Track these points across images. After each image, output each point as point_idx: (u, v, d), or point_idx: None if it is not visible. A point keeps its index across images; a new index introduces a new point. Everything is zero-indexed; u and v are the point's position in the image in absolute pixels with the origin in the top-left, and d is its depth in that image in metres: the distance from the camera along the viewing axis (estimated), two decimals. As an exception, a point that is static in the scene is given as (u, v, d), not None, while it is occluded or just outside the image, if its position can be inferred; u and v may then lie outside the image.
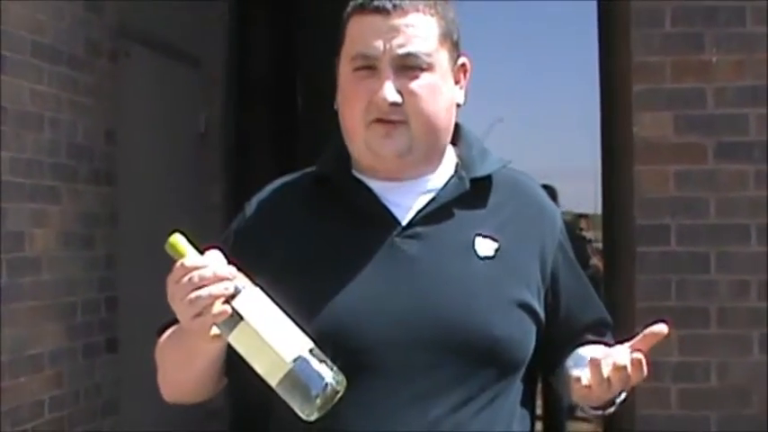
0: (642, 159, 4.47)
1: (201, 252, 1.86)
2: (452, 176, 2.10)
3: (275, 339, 1.79)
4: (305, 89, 8.42)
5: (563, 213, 2.49)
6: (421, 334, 1.94)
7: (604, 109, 6.29)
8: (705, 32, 4.46)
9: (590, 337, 2.13)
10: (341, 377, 1.80)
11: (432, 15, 2.02)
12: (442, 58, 2.04)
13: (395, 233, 2.03)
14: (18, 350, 4.51)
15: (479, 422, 1.97)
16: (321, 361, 1.80)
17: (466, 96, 2.13)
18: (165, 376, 2.14)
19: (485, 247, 2.04)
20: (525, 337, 2.04)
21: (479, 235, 2.05)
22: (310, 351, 1.80)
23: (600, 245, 7.87)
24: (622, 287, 4.69)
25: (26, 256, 4.59)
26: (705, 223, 4.42)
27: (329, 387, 1.79)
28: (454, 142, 2.17)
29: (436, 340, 1.94)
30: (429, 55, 2.00)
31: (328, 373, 1.79)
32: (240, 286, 1.82)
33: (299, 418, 1.84)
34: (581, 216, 13.78)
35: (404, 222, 2.05)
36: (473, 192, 2.09)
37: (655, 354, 4.29)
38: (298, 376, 1.78)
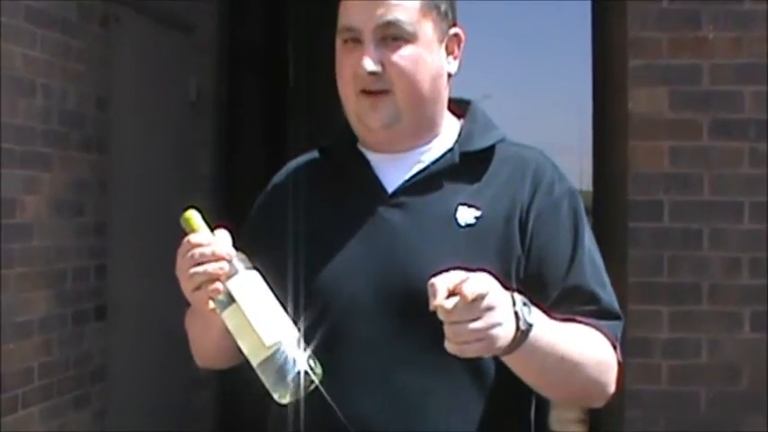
0: (637, 135, 4.47)
1: (213, 230, 1.94)
2: (449, 150, 2.13)
3: (260, 323, 1.87)
4: (296, 57, 8.39)
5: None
6: (389, 299, 1.99)
7: (597, 84, 6.29)
8: (702, 9, 4.45)
9: (564, 307, 2.04)
10: (318, 368, 1.87)
11: None
12: (426, 28, 2.08)
13: (380, 201, 2.09)
14: (8, 317, 4.49)
15: (447, 392, 1.99)
16: (301, 350, 1.87)
17: (459, 65, 2.17)
18: (192, 343, 2.24)
19: (466, 215, 2.07)
20: None
21: (462, 204, 2.07)
22: (292, 339, 1.88)
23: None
24: (614, 263, 4.69)
25: (17, 222, 4.57)
26: (698, 200, 4.43)
27: (303, 375, 1.86)
28: (464, 117, 2.21)
29: (402, 306, 1.98)
30: (410, 25, 2.05)
31: (304, 363, 1.86)
32: (238, 268, 1.90)
33: None
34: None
35: (390, 191, 2.10)
36: (469, 165, 2.12)
37: (645, 330, 4.37)
38: (276, 361, 1.86)
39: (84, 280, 5.21)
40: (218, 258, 1.88)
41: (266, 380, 1.87)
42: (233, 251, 1.91)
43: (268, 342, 1.85)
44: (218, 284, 1.88)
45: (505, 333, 1.81)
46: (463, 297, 1.74)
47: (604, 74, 5.77)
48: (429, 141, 2.14)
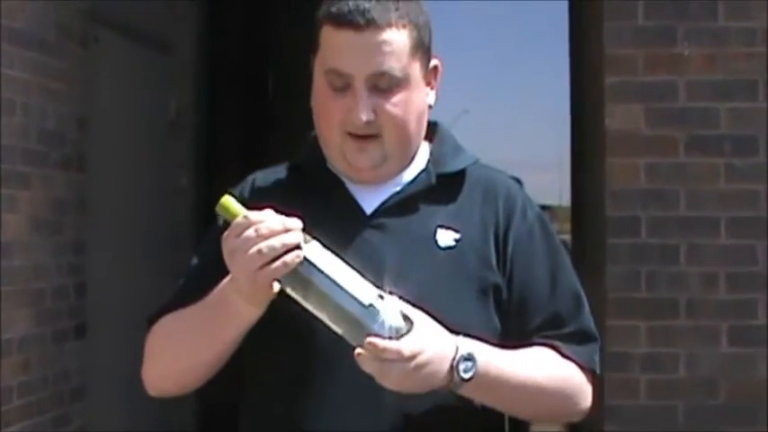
0: (614, 151, 4.49)
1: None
2: (422, 171, 2.14)
3: (352, 286, 1.84)
4: (276, 76, 8.41)
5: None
6: None
7: (575, 101, 6.32)
8: (677, 26, 4.48)
9: (545, 332, 2.09)
10: (409, 323, 1.84)
11: (403, 27, 2.03)
12: (415, 69, 2.07)
13: (359, 223, 2.08)
14: (-5, 335, 4.49)
15: (434, 413, 1.98)
16: (390, 307, 1.84)
17: (437, 95, 2.17)
18: (169, 362, 2.12)
19: (446, 237, 2.07)
20: (484, 326, 2.05)
21: (441, 226, 2.08)
22: (380, 297, 1.85)
23: (563, 237, 7.90)
24: (593, 278, 4.72)
25: (-2, 241, 4.56)
26: (675, 215, 4.45)
27: (398, 332, 1.83)
28: (430, 140, 2.21)
29: None
30: (402, 71, 2.03)
31: (399, 319, 1.84)
32: (307, 239, 1.86)
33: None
34: (544, 208, 13.85)
35: (368, 213, 2.09)
36: (443, 187, 2.13)
37: (624, 345, 4.39)
38: (370, 321, 1.82)
39: (63, 298, 5.20)
40: (289, 229, 1.84)
41: (356, 341, 1.83)
42: (298, 221, 1.86)
43: (366, 302, 1.82)
44: (297, 252, 1.82)
45: (436, 380, 1.87)
46: (400, 353, 1.80)
47: (582, 91, 5.80)
48: (405, 168, 2.14)
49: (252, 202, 2.08)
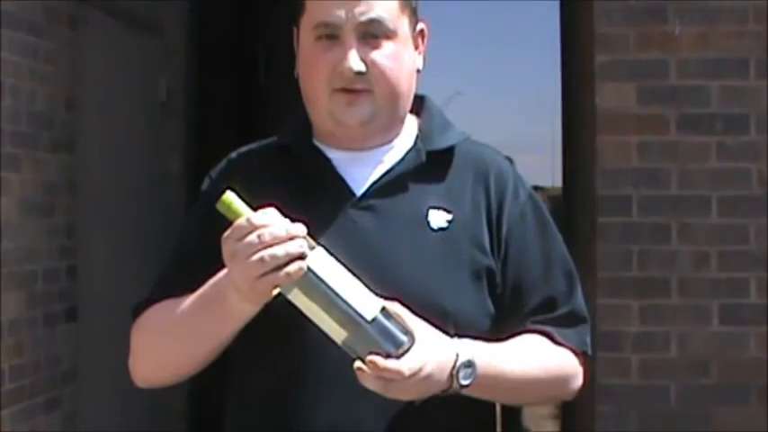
0: (604, 130, 4.49)
1: (254, 209, 1.82)
2: (411, 149, 2.11)
3: (353, 298, 1.80)
4: (266, 58, 8.38)
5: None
6: None
7: (566, 80, 6.31)
8: (668, 5, 4.47)
9: (537, 318, 2.09)
10: (410, 336, 1.82)
11: None
12: (403, 24, 2.05)
13: (349, 204, 2.04)
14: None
15: (426, 402, 1.93)
16: (392, 320, 1.82)
17: (424, 62, 2.15)
18: (159, 356, 2.07)
19: (438, 218, 2.05)
20: (478, 308, 2.04)
21: (432, 207, 2.05)
22: (382, 309, 1.82)
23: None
24: (584, 257, 4.72)
25: (-13, 224, 4.55)
26: (667, 194, 4.44)
27: (399, 347, 1.80)
28: (418, 114, 2.18)
29: None
30: (392, 21, 2.01)
31: (400, 333, 1.81)
32: (311, 244, 1.81)
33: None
34: (536, 189, 13.86)
35: (358, 194, 2.05)
36: (432, 164, 2.09)
37: (615, 324, 4.39)
38: (372, 335, 1.80)
39: (54, 281, 5.19)
40: (293, 237, 1.77)
41: (356, 354, 1.80)
42: (303, 227, 1.81)
43: (369, 316, 1.79)
44: (300, 264, 1.77)
45: (436, 388, 1.86)
46: (401, 373, 1.78)
47: (573, 70, 5.79)
48: (392, 139, 2.11)
49: (234, 182, 2.03)
